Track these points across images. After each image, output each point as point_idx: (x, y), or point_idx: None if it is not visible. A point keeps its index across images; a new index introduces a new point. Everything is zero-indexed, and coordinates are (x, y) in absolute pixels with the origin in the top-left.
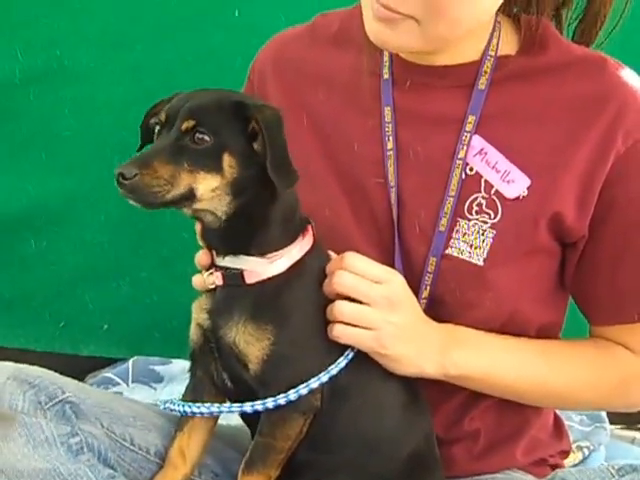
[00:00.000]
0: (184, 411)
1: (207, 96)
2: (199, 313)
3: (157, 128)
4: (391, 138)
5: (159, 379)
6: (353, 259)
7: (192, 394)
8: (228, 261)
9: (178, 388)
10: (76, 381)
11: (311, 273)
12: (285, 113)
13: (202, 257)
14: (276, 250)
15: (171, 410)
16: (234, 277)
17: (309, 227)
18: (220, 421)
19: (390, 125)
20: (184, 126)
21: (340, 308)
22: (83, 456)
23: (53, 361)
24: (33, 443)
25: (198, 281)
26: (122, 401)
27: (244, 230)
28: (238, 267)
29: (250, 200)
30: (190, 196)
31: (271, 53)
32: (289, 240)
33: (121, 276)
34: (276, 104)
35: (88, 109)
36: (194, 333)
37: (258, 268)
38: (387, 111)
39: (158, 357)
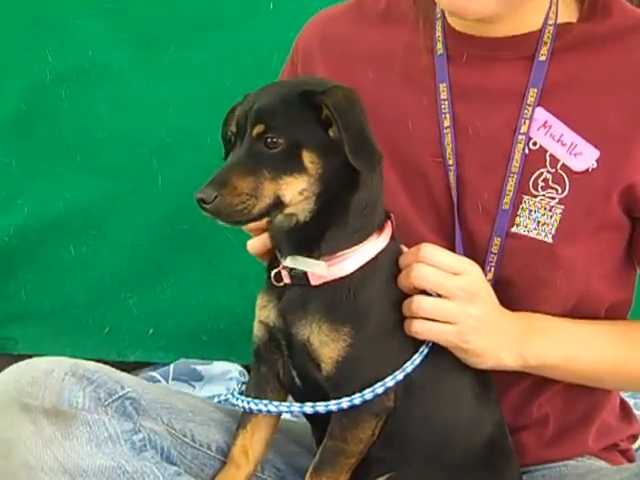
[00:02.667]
0: (249, 408)
1: (273, 93)
2: (264, 311)
3: (232, 138)
4: (448, 115)
5: (199, 378)
6: (430, 251)
7: (255, 390)
8: (290, 262)
9: (217, 389)
10: (132, 375)
11: (384, 269)
12: None
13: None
14: (346, 248)
15: (233, 405)
16: (299, 277)
17: (387, 224)
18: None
19: (446, 102)
20: (255, 132)
21: (419, 303)
22: (147, 453)
23: None
24: (96, 441)
25: (253, 245)
26: (179, 395)
27: (316, 229)
28: (299, 268)
29: (333, 195)
30: (278, 204)
31: (317, 31)
32: (361, 238)
33: (165, 279)
34: None
35: (123, 109)
36: (258, 330)
37: (318, 271)
38: (442, 88)
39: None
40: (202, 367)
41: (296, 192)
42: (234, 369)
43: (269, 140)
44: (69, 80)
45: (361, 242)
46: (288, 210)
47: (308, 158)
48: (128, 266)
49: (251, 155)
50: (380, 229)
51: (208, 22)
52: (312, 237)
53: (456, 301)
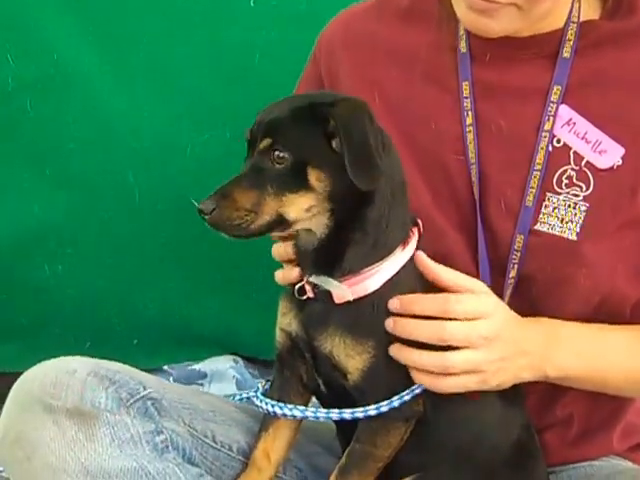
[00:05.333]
0: (274, 412)
1: (284, 105)
2: (285, 318)
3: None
4: (470, 113)
5: (202, 375)
6: (453, 305)
7: (278, 393)
8: (314, 279)
9: (228, 387)
10: (152, 375)
11: (409, 280)
12: (356, 90)
13: (288, 275)
14: (369, 265)
15: (257, 407)
16: (323, 294)
17: (412, 234)
18: None
19: (468, 100)
20: (262, 146)
21: (450, 363)
22: (169, 454)
23: None
24: (118, 442)
25: (278, 251)
26: (200, 395)
27: (337, 247)
28: (323, 286)
29: (348, 210)
30: (282, 221)
31: (340, 28)
32: (384, 254)
33: (147, 294)
34: (346, 81)
35: (94, 117)
36: (280, 336)
37: (340, 293)
38: (465, 86)
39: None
40: (198, 365)
41: (302, 210)
42: (226, 360)
43: (275, 155)
44: (33, 87)
45: (384, 257)
46: (298, 226)
47: (314, 176)
48: (108, 284)
49: (257, 169)
50: (405, 241)
51: (183, 20)
52: (333, 256)
53: (479, 350)
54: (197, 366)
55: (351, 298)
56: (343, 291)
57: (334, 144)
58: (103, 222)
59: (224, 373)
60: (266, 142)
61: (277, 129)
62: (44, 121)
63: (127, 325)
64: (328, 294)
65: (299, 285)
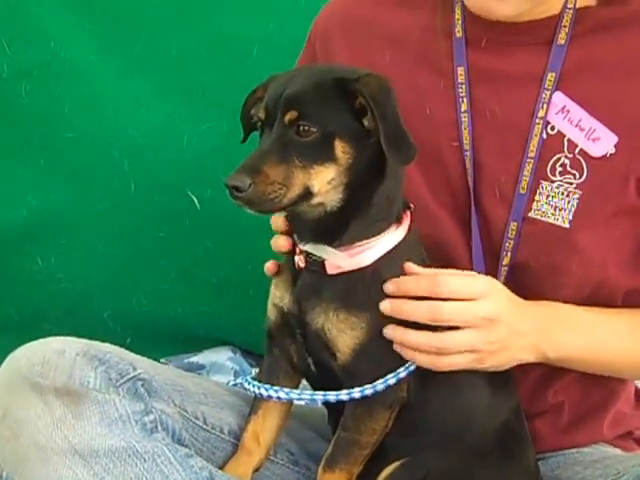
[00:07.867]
0: (260, 394)
1: (304, 79)
2: (280, 293)
3: (259, 124)
4: (465, 99)
5: (200, 367)
6: (446, 285)
7: (268, 374)
8: (309, 247)
9: (225, 378)
10: (144, 357)
11: (401, 261)
12: None
13: (281, 242)
14: (366, 238)
15: (245, 389)
16: (316, 264)
17: (405, 215)
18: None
19: (464, 86)
20: (286, 119)
21: (445, 344)
22: (158, 434)
23: None
24: (107, 421)
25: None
26: (191, 378)
27: (341, 220)
28: (319, 255)
29: (360, 184)
30: (307, 194)
31: (336, 13)
32: (380, 229)
33: (141, 290)
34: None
35: (90, 107)
36: (271, 312)
37: (338, 262)
38: (460, 71)
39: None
40: (196, 357)
41: (325, 182)
42: (224, 351)
43: (302, 128)
44: (29, 74)
45: (380, 233)
46: (316, 200)
47: (340, 148)
48: (101, 277)
49: (282, 143)
50: (399, 220)
51: (182, 10)
52: (335, 227)
53: (479, 330)
54: (195, 358)
55: (347, 267)
56: (340, 259)
57: (365, 122)
58: (98, 212)
59: (222, 365)
60: (291, 115)
61: (302, 102)
62: (39, 109)
63: (120, 323)
64: (321, 265)
65: (298, 253)
